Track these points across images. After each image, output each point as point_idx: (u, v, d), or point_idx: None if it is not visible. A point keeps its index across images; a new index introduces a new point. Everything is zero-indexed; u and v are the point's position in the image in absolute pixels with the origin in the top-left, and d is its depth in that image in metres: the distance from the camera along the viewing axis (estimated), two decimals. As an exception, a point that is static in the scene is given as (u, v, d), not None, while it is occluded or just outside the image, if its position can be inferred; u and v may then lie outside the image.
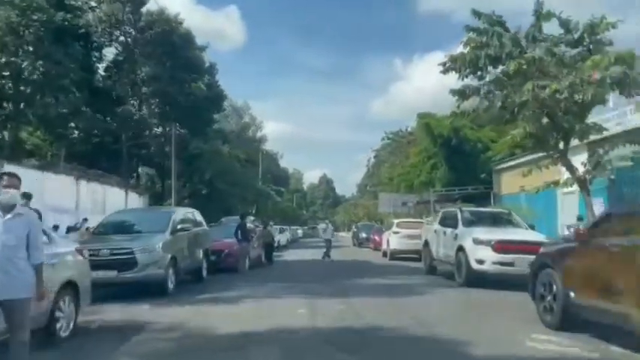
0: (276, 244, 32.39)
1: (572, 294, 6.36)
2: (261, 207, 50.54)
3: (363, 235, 36.89)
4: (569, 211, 24.42)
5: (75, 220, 18.94)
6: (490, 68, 15.96)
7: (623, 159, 14.86)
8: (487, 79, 16.23)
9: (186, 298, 10.21)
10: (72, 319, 6.68)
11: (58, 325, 6.31)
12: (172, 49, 35.03)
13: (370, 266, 19.33)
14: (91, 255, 8.05)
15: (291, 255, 26.73)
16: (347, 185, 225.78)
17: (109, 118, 33.06)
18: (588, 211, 16.06)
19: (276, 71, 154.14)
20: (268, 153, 75.48)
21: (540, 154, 28.60)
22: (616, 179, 16.93)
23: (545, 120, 15.26)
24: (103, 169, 28.53)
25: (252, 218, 24.42)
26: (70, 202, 21.10)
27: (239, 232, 15.00)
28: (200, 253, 13.32)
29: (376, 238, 31.44)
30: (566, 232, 16.57)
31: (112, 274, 9.88)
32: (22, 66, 20.99)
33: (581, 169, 15.82)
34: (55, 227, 13.71)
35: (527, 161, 31.00)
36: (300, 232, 62.96)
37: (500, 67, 15.94)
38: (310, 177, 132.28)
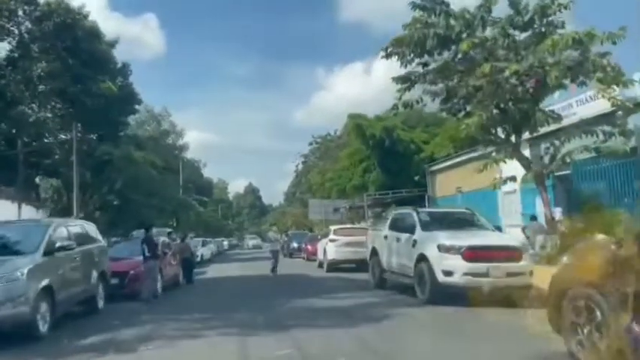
0: (198, 259, 29.32)
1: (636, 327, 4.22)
2: (183, 218, 46.83)
3: (294, 244, 34.40)
4: (510, 212, 23.21)
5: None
6: (436, 54, 14.23)
7: (586, 149, 13.38)
8: (433, 65, 14.46)
9: (63, 345, 7.30)
10: None
11: None
12: (75, 43, 31.11)
13: (308, 281, 16.90)
14: None
15: (215, 271, 23.75)
16: (274, 194, 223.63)
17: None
18: (545, 210, 14.55)
19: (197, 80, 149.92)
20: (190, 161, 71.38)
21: (475, 153, 27.54)
22: (573, 174, 15.54)
23: (494, 110, 13.55)
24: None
25: (168, 230, 21.27)
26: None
27: (145, 247, 12.06)
28: (94, 277, 10.32)
29: (309, 247, 29.15)
30: (522, 235, 14.94)
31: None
32: None
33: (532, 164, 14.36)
34: None
35: (464, 161, 29.98)
36: (225, 243, 59.55)
37: (447, 53, 14.23)
38: (236, 187, 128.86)
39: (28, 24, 31.73)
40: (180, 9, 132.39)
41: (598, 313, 4.64)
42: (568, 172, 15.56)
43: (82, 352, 6.84)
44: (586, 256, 5.23)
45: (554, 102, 16.18)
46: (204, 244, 32.53)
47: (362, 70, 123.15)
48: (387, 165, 32.75)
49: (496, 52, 13.56)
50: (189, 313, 9.76)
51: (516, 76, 12.56)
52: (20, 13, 31.57)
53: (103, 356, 6.57)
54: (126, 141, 36.92)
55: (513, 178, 15.37)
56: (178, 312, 10.21)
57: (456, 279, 9.31)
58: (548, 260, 11.36)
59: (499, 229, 12.07)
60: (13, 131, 30.60)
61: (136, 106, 40.36)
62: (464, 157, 29.17)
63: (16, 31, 31.61)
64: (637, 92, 13.65)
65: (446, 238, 9.83)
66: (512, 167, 22.68)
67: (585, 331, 4.80)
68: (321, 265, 21.76)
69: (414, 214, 11.31)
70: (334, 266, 19.48)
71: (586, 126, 13.91)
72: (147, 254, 12.07)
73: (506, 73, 12.09)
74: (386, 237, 12.41)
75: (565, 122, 14.58)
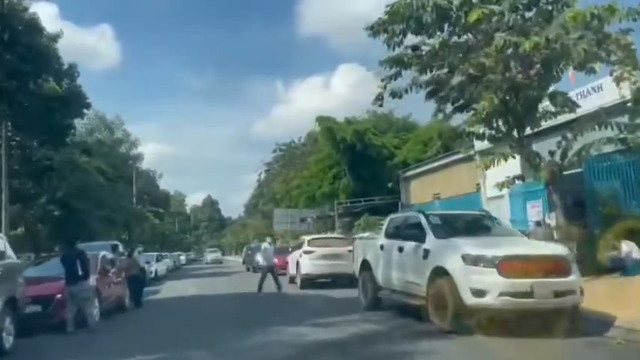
0: (152, 275, 26.29)
1: None
2: (137, 231, 43.39)
3: (259, 257, 31.55)
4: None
5: None
6: (431, 32, 12.13)
7: (610, 141, 11.45)
8: (427, 46, 12.34)
9: None
10: None
11: None
12: (12, 35, 27.71)
13: (282, 301, 14.35)
14: None
15: (171, 289, 20.83)
16: (233, 206, 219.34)
17: None
18: (557, 215, 12.55)
19: (155, 92, 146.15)
20: (145, 172, 67.53)
21: (455, 156, 25.66)
22: (586, 172, 13.60)
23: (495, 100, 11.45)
24: None
25: (113, 243, 18.30)
26: None
27: (74, 265, 9.27)
28: (-1, 306, 7.54)
29: (275, 261, 26.45)
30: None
31: None
32: None
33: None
34: None
35: (440, 165, 28.07)
36: (183, 258, 56.08)
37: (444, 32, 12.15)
38: (194, 199, 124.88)
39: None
40: (137, 20, 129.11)
41: None
42: (579, 170, 13.60)
43: None
44: None
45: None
46: (158, 259, 29.42)
47: (321, 84, 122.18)
48: (358, 171, 30.62)
49: (501, 30, 11.54)
50: (127, 356, 7.05)
51: (536, 51, 10.51)
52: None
53: None
54: (72, 146, 33.54)
55: (521, 178, 13.37)
56: (114, 352, 7.49)
57: (490, 300, 6.99)
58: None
59: (525, 234, 9.93)
60: None
61: (85, 111, 37.19)
62: (440, 162, 27.30)
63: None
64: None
65: (472, 246, 7.53)
66: (502, 169, 20.88)
67: None
68: (293, 281, 19.23)
69: (422, 217, 8.98)
70: (309, 282, 17.01)
71: (602, 117, 12.00)
72: (78, 274, 9.29)
73: (526, 46, 9.98)
74: (382, 247, 10.04)
75: (563, 118, 12.71)
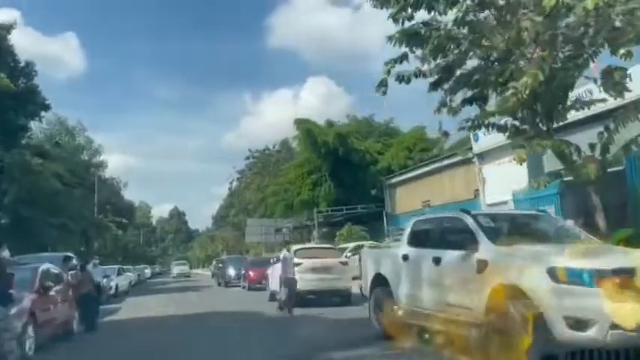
0: (112, 291, 23.41)
1: None
2: (97, 242, 40.10)
3: (232, 271, 29.01)
4: None
5: None
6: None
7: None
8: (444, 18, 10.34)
9: None
10: None
11: None
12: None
13: (268, 326, 11.89)
14: None
15: (132, 307, 18.10)
16: (201, 218, 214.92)
17: None
18: (598, 220, 10.52)
19: (123, 103, 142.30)
20: (108, 180, 63.86)
21: (444, 162, 23.72)
22: (628, 168, 11.71)
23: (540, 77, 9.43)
24: None
25: (65, 255, 15.53)
26: None
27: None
28: None
29: (251, 274, 24.05)
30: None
31: None
32: None
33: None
34: None
35: (429, 171, 26.11)
36: (148, 271, 52.72)
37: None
38: (160, 211, 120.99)
39: None
40: (103, 29, 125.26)
41: None
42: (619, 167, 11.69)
43: None
44: None
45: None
46: (120, 273, 26.48)
47: (290, 96, 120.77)
48: (340, 177, 28.46)
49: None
50: None
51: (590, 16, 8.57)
52: None
53: None
54: (27, 148, 30.46)
55: (557, 175, 11.39)
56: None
57: (598, 334, 4.82)
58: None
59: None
60: None
61: (43, 113, 34.39)
62: (430, 167, 25.39)
63: None
64: None
65: (564, 256, 5.35)
66: (503, 175, 18.98)
67: None
68: (274, 299, 16.80)
69: (469, 218, 6.77)
70: (297, 299, 14.61)
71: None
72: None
73: (587, 3, 7.99)
74: (406, 258, 7.81)
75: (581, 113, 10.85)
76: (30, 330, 8.09)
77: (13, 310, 7.43)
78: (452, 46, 10.57)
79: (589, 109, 10.82)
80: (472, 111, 11.46)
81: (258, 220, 35.78)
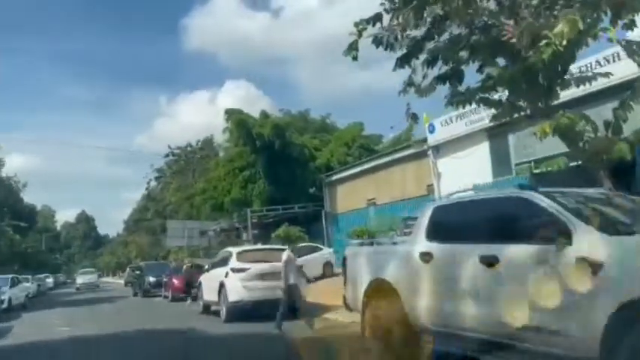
0: (4, 305, 19.60)
1: None
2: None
3: (151, 278, 25.62)
4: None
5: None
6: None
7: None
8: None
9: None
10: None
11: None
12: None
13: (210, 346, 9.23)
14: None
15: (28, 327, 14.59)
16: (112, 223, 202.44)
17: None
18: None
19: (29, 102, 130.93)
20: (5, 181, 57.12)
21: (388, 157, 21.97)
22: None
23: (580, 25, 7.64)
24: None
25: None
26: None
27: None
28: None
29: (175, 282, 21.08)
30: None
31: None
32: None
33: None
34: None
35: (376, 167, 24.27)
36: (50, 281, 47.29)
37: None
38: (66, 215, 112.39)
39: None
40: (7, 26, 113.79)
41: None
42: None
43: None
44: None
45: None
46: (15, 283, 22.40)
47: (207, 99, 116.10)
48: (275, 174, 25.96)
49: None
50: None
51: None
52: None
53: None
54: None
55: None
56: None
57: None
58: None
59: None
60: None
61: None
62: (375, 163, 23.56)
63: None
64: None
65: None
66: (460, 168, 17.40)
67: None
68: (208, 310, 14.08)
69: (543, 199, 4.66)
70: (240, 312, 11.99)
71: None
72: None
73: None
74: (427, 257, 5.59)
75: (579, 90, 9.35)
76: None
77: None
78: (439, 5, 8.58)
79: (590, 84, 9.19)
80: (443, 91, 9.62)
81: (180, 221, 32.41)
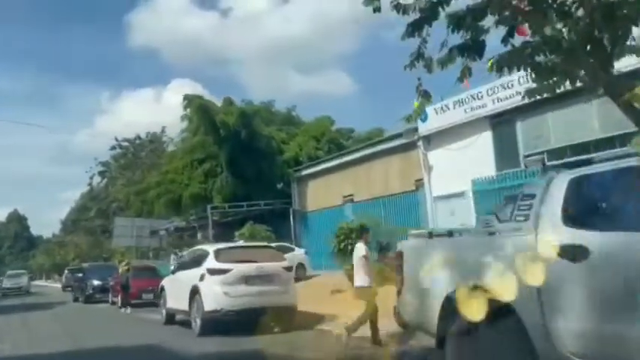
0: None
1: None
2: None
3: (95, 282, 22.63)
4: (453, 223, 15.55)
5: None
6: None
7: None
8: None
9: None
10: None
11: None
12: None
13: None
14: None
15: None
16: (47, 223, 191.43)
17: None
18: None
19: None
20: None
21: (368, 150, 20.08)
22: None
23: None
24: None
25: None
26: None
27: None
28: None
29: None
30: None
31: None
32: None
33: None
34: None
35: (354, 161, 22.30)
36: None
37: None
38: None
39: None
40: None
41: None
42: None
43: None
44: None
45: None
46: None
47: (152, 97, 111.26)
48: (239, 167, 23.56)
49: None
50: None
51: None
52: None
53: None
54: None
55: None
56: None
57: None
58: None
59: None
60: None
61: None
62: (352, 157, 21.60)
63: None
64: None
65: None
66: (454, 161, 15.81)
67: None
68: (172, 320, 11.67)
69: None
70: (216, 322, 9.68)
71: None
72: None
73: None
74: (579, 253, 3.61)
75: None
76: None
77: None
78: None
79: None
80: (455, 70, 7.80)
81: (129, 219, 29.33)
